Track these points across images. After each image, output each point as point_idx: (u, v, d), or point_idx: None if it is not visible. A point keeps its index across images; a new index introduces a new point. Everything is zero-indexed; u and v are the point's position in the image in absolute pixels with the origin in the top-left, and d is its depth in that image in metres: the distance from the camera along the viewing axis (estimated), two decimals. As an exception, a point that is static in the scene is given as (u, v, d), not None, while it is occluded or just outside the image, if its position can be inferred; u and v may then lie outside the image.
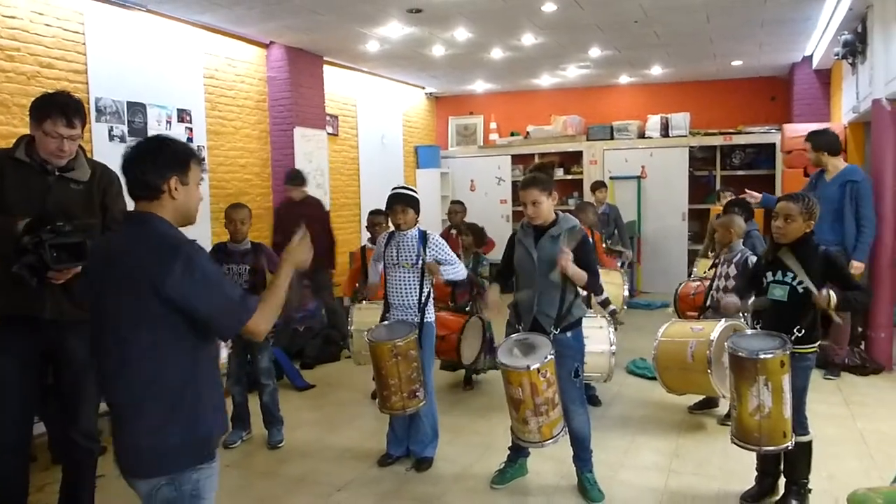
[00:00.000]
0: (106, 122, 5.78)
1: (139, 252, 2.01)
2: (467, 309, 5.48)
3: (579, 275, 3.48)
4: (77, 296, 2.14)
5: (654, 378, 4.94)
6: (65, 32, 5.45)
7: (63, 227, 2.84)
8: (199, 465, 2.09)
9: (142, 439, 2.03)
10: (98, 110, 5.71)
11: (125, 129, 5.94)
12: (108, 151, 5.68)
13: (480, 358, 5.44)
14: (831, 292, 3.27)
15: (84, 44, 5.60)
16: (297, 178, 7.02)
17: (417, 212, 4.15)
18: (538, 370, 3.33)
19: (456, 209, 7.05)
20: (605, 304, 5.52)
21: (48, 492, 3.81)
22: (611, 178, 10.24)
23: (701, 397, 4.93)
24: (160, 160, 2.07)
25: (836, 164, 5.69)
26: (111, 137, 5.81)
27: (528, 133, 11.09)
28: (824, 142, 5.69)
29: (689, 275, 7.71)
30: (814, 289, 3.29)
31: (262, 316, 2.11)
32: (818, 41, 7.90)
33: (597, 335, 4.62)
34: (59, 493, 3.26)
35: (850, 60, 6.73)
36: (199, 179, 2.17)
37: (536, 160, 9.63)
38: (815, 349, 3.43)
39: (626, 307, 6.44)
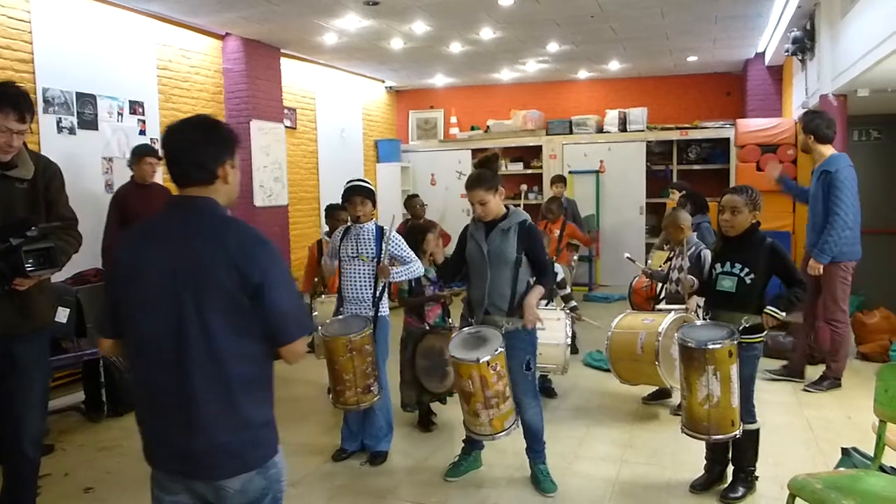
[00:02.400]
0: (54, 114, 5.61)
1: (218, 238, 1.88)
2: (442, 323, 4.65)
3: (540, 294, 3.61)
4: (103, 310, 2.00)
5: (609, 370, 5.00)
6: (9, 20, 5.28)
7: (33, 234, 2.78)
8: (278, 448, 2.06)
9: (236, 434, 1.92)
10: (45, 101, 5.53)
11: (74, 120, 5.79)
12: (57, 143, 5.54)
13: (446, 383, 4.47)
14: (772, 310, 3.40)
15: (30, 32, 5.43)
16: (148, 152, 5.55)
17: (374, 204, 4.16)
18: (488, 363, 3.35)
19: (416, 202, 7.07)
20: (567, 298, 5.57)
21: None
22: (570, 172, 10.33)
23: (655, 388, 5.01)
24: (216, 143, 1.97)
25: (822, 153, 5.04)
26: (59, 129, 5.65)
27: (488, 127, 11.12)
28: (813, 125, 5.03)
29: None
30: (762, 319, 3.42)
31: (305, 340, 2.02)
32: (770, 37, 8.06)
33: (554, 327, 4.64)
34: (-1, 499, 3.17)
35: (799, 57, 6.88)
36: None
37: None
38: (762, 339, 3.52)
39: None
